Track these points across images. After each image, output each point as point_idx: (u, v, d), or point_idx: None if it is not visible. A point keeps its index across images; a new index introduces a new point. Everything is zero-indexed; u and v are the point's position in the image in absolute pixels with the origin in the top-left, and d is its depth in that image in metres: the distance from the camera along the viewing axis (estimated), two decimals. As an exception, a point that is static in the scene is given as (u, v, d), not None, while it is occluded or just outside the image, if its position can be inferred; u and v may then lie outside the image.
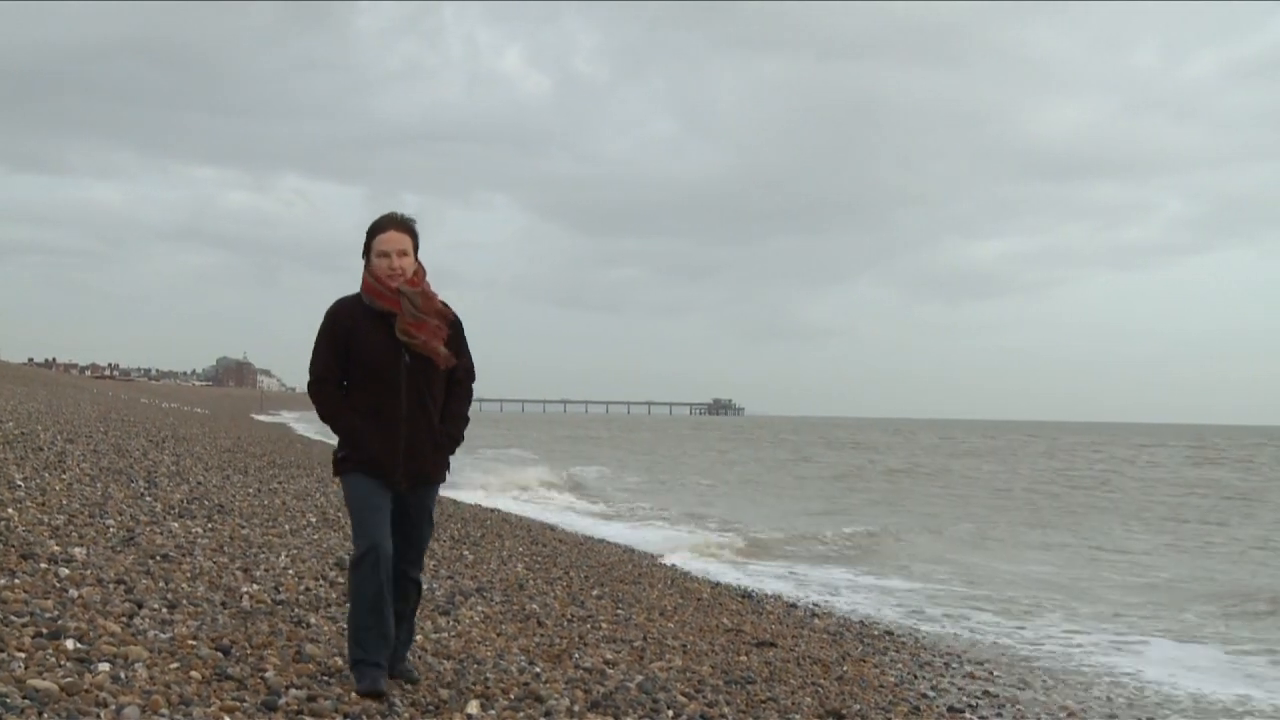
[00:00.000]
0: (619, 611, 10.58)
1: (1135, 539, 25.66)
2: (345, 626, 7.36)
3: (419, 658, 6.80)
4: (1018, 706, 9.42)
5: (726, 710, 7.23)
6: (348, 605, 6.07)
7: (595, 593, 11.59)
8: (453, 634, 7.89)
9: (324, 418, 5.91)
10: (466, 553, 12.77)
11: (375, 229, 5.86)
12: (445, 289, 5.90)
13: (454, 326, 5.97)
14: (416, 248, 5.90)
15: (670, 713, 6.80)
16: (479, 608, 9.16)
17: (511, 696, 6.35)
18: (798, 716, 7.55)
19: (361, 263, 5.91)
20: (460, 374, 6.04)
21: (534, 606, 9.74)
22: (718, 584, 14.69)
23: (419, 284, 5.85)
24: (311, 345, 5.91)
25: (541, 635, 8.53)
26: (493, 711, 5.96)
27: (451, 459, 6.14)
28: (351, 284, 5.94)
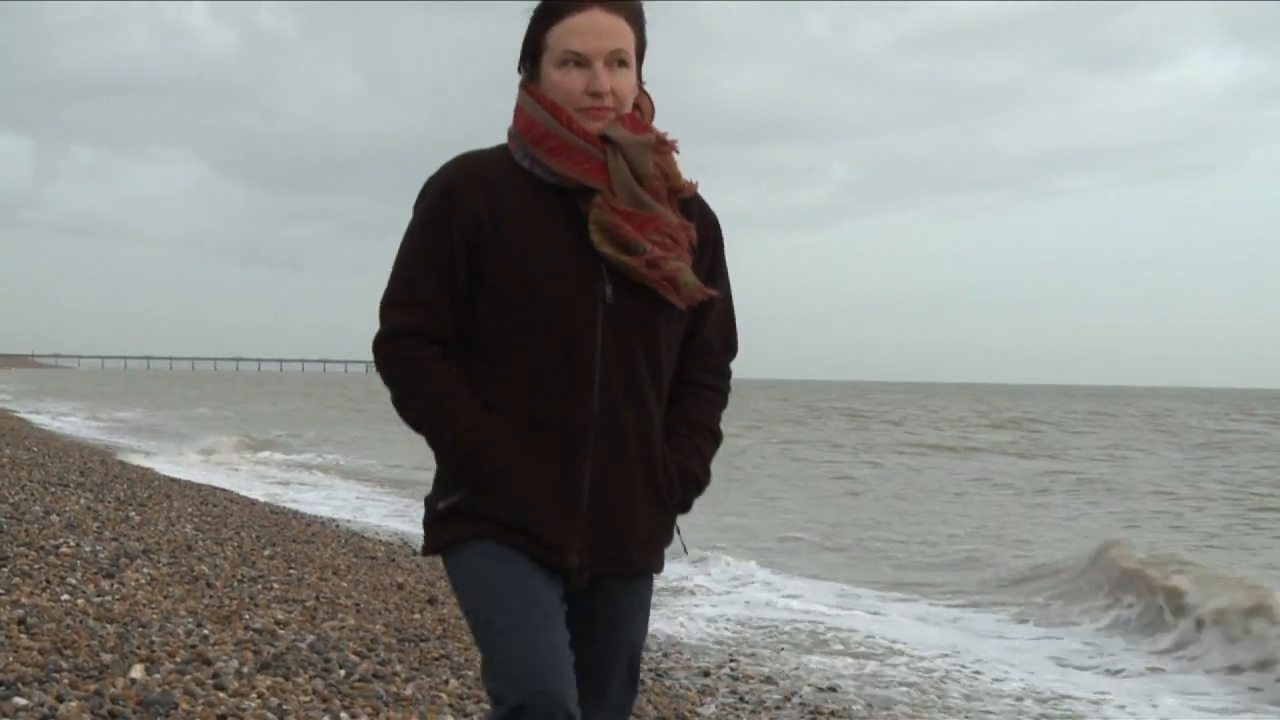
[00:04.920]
0: (291, 571, 10.48)
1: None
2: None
3: (80, 622, 6.61)
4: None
5: (399, 668, 7.31)
6: None
7: (267, 553, 11.43)
8: (116, 597, 7.67)
9: (408, 409, 2.79)
10: (133, 514, 12.36)
11: (556, 5, 2.69)
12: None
13: (707, 232, 2.86)
14: (642, 52, 2.77)
15: (342, 672, 6.84)
16: (145, 570, 8.92)
17: (178, 659, 6.25)
18: (471, 673, 7.70)
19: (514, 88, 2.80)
20: (708, 335, 2.89)
21: (203, 568, 9.56)
22: (391, 543, 14.70)
23: (650, 129, 2.76)
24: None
25: (211, 597, 8.39)
26: (158, 675, 5.86)
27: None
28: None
